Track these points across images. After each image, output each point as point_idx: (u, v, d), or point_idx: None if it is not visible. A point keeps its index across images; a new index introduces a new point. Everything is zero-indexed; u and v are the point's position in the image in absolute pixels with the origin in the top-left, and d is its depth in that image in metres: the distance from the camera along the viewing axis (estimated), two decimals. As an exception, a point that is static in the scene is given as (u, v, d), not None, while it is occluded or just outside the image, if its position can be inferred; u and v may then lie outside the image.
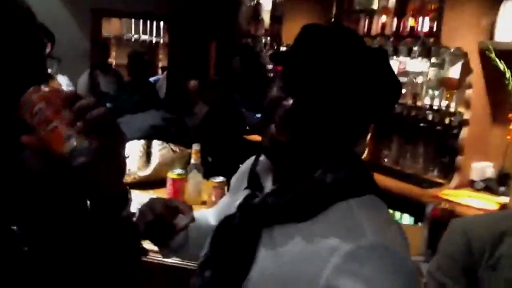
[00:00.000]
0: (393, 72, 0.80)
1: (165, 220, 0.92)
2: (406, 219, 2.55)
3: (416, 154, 2.81)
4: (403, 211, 2.56)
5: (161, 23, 6.30)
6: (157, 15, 5.56)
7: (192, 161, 1.91)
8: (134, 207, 0.76)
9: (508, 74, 2.16)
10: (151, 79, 4.94)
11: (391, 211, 2.68)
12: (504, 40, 2.36)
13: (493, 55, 2.19)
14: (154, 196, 1.75)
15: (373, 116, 0.81)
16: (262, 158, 0.90)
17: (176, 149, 2.12)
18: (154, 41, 6.60)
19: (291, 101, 0.75)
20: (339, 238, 0.70)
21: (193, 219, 0.93)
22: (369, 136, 3.02)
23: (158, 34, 6.57)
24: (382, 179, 2.63)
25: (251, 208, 0.81)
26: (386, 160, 2.98)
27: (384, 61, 0.80)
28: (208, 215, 1.07)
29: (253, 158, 0.93)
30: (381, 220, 0.75)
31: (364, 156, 3.02)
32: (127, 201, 0.69)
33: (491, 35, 2.44)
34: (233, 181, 1.03)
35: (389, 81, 0.79)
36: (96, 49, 4.52)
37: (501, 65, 2.18)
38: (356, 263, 0.67)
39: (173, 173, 1.89)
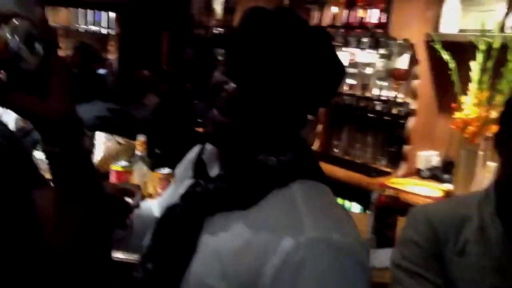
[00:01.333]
0: (336, 54, 0.79)
1: (117, 200, 0.91)
2: (356, 208, 2.59)
3: (365, 144, 2.85)
4: (352, 200, 2.60)
5: (112, 13, 6.09)
6: (107, 5, 5.38)
7: (137, 152, 1.85)
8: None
9: (452, 65, 2.22)
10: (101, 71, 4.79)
11: (341, 200, 2.72)
12: (448, 31, 2.43)
13: (438, 46, 2.24)
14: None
15: (318, 99, 0.79)
16: (208, 146, 0.87)
17: (122, 141, 2.05)
18: (105, 32, 6.37)
19: (233, 85, 0.73)
20: (279, 232, 0.68)
21: (143, 196, 0.95)
22: (320, 127, 3.04)
23: (108, 25, 6.35)
24: (332, 169, 2.66)
25: (193, 196, 0.78)
26: (336, 150, 3.01)
27: (327, 43, 0.78)
28: (152, 206, 1.04)
29: (198, 147, 0.91)
30: (323, 206, 0.73)
31: (315, 146, 3.04)
32: (81, 131, 0.65)
33: (436, 27, 2.51)
34: (177, 171, 1.00)
35: (332, 63, 0.78)
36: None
37: (446, 56, 2.23)
38: (294, 263, 0.65)
39: (117, 166, 1.83)
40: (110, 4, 5.24)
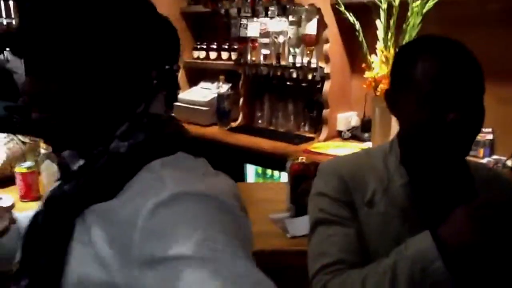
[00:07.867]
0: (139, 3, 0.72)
1: None
2: (285, 178, 2.61)
3: (287, 112, 2.87)
4: (280, 169, 2.62)
5: (11, 2, 5.63)
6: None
7: (42, 150, 1.72)
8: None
9: (357, 26, 2.25)
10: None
11: (269, 171, 2.73)
12: (352, -7, 2.46)
13: (342, 8, 2.26)
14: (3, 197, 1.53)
15: (147, 59, 0.72)
16: None
17: (26, 139, 1.90)
18: (4, 23, 5.89)
19: (45, 83, 0.66)
20: (141, 200, 0.63)
21: (12, 221, 0.86)
22: (241, 100, 3.02)
23: (8, 15, 5.88)
24: (257, 141, 2.66)
25: (53, 201, 0.71)
26: (260, 121, 3.01)
27: None
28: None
29: None
30: (190, 171, 0.69)
31: (239, 121, 3.02)
32: None
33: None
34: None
35: (136, 12, 0.70)
36: None
37: (351, 18, 2.26)
38: (158, 219, 0.61)
39: (22, 167, 1.69)
40: (7, -8, 4.81)
